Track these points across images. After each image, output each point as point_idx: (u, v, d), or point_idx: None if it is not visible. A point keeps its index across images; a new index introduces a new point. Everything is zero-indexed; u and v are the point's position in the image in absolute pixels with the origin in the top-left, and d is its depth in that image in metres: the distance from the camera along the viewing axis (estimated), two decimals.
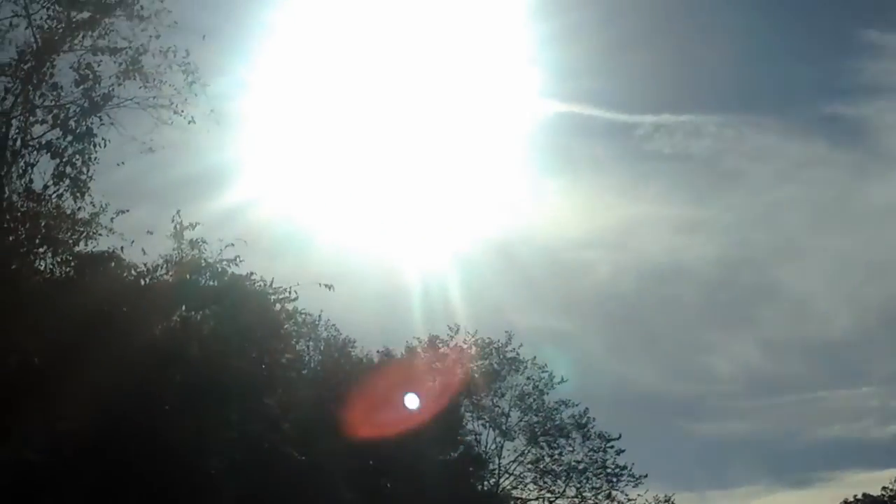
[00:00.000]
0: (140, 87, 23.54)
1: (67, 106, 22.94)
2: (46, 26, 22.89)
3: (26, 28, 22.84)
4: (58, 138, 22.58)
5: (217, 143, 26.35)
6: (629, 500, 46.97)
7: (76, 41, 23.11)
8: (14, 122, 22.57)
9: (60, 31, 22.95)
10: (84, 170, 22.70)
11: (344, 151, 37.20)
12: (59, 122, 22.66)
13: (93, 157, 22.75)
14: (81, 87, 22.98)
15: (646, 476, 47.15)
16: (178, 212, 24.42)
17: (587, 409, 47.57)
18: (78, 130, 22.62)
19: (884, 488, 76.24)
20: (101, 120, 23.02)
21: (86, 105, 22.91)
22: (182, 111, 23.69)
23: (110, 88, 23.20)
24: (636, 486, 47.17)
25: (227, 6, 28.31)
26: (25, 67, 22.73)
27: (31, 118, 22.68)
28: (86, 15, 23.03)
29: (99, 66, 23.25)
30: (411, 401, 39.24)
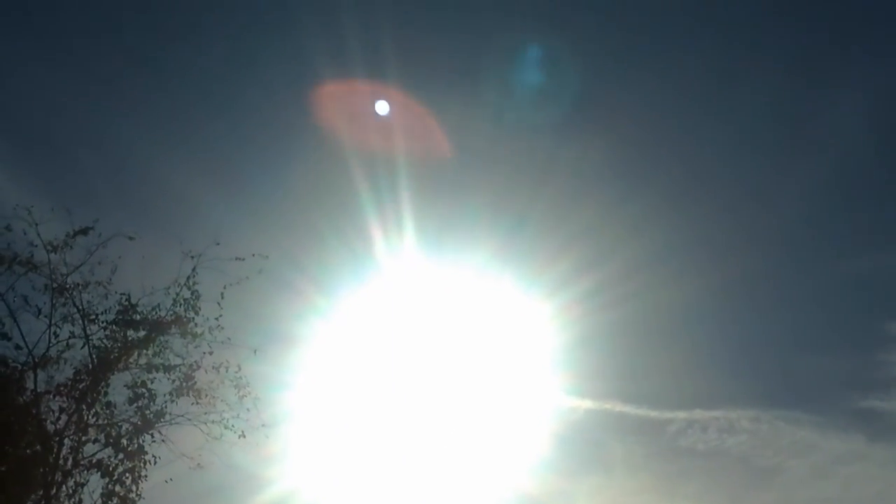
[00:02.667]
0: (193, 404, 23.83)
1: (120, 424, 23.14)
2: (103, 346, 23.43)
3: (83, 347, 23.39)
4: (109, 457, 22.68)
5: (245, 447, 26.40)
6: None
7: (131, 360, 23.58)
8: (67, 441, 22.67)
9: (117, 350, 23.44)
10: (133, 488, 22.65)
11: (373, 449, 37.17)
12: (111, 440, 22.80)
13: (143, 475, 22.75)
14: (135, 404, 23.29)
15: None
16: None
17: None
18: (130, 449, 22.74)
19: None
20: (152, 437, 23.20)
21: (139, 423, 23.13)
22: (233, 426, 23.84)
23: (163, 406, 23.54)
24: None
25: (266, 320, 29.09)
26: (80, 387, 23.07)
27: (83, 437, 22.79)
28: (142, 334, 23.61)
29: (153, 383, 23.67)
30: None
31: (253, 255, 24.25)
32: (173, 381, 23.84)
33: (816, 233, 46.99)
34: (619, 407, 52.94)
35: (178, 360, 23.99)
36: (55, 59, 35.83)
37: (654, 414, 57.47)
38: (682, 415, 63.09)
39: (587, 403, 48.38)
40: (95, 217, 23.34)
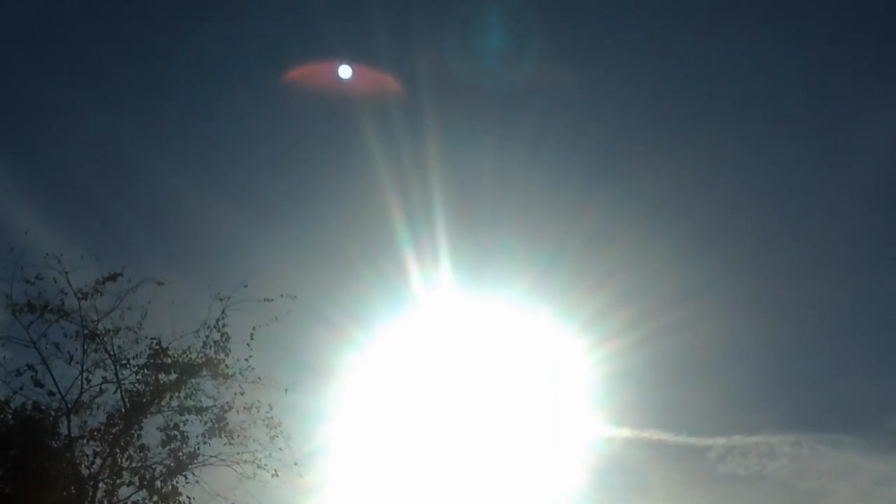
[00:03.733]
0: (225, 444, 24.04)
1: (153, 466, 23.40)
2: (135, 389, 23.75)
3: (115, 392, 23.73)
4: (143, 499, 22.92)
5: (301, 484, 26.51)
6: None
7: (163, 402, 23.89)
8: (101, 485, 22.94)
9: (149, 393, 23.74)
10: None
11: (411, 480, 37.15)
12: (145, 482, 23.04)
13: None
14: (168, 447, 23.54)
15: None
16: None
17: None
18: (164, 490, 22.96)
19: None
20: (185, 478, 23.40)
21: (172, 465, 23.38)
22: (265, 465, 23.99)
23: (196, 447, 23.76)
24: None
25: (302, 356, 29.27)
26: (114, 431, 23.37)
27: (117, 480, 23.05)
28: (173, 377, 23.90)
29: (185, 425, 23.93)
30: None
31: (281, 295, 24.50)
32: (205, 422, 24.11)
33: (851, 255, 46.33)
34: (658, 435, 52.36)
35: (209, 402, 24.31)
36: (82, 100, 36.44)
37: (692, 441, 56.76)
38: (721, 441, 62.22)
39: (625, 433, 47.88)
40: (124, 263, 23.77)
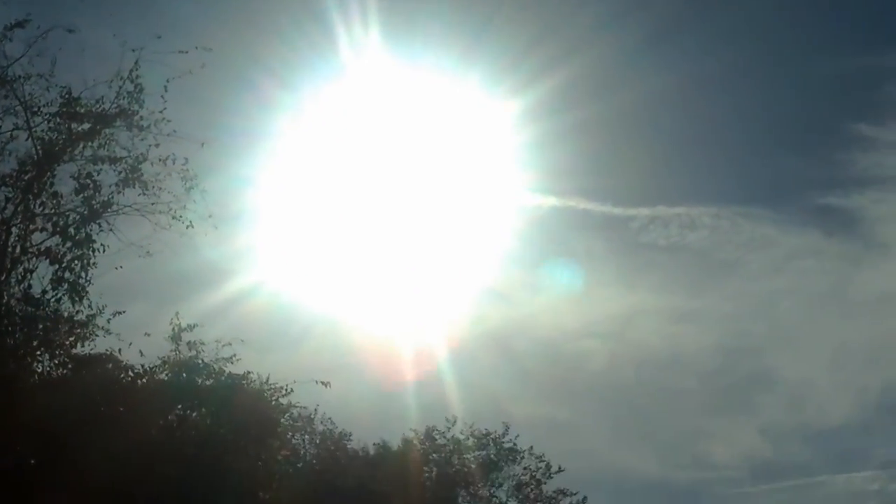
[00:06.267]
0: (139, 195, 24.36)
1: (67, 213, 23.70)
2: (47, 138, 23.78)
3: (27, 139, 23.75)
4: (57, 245, 23.34)
5: (212, 240, 27.07)
6: None
7: (77, 151, 23.98)
8: (14, 229, 23.29)
9: (61, 142, 23.81)
10: (82, 275, 23.37)
11: (338, 245, 37.92)
12: (58, 229, 23.37)
13: (91, 262, 23.45)
14: (81, 195, 23.78)
15: None
16: (176, 314, 25.24)
17: (585, 497, 47.68)
18: (77, 237, 23.37)
19: None
20: (100, 226, 23.79)
21: (85, 213, 23.66)
22: (180, 216, 24.44)
23: (110, 196, 24.02)
24: None
25: (223, 114, 29.25)
26: (26, 178, 23.54)
27: (30, 226, 23.41)
28: (86, 126, 23.90)
29: (99, 174, 24.11)
30: None
31: (196, 47, 24.30)
32: (119, 172, 24.30)
33: (794, 32, 46.35)
34: (584, 204, 53.61)
35: (123, 153, 24.43)
36: None
37: (617, 211, 58.28)
38: (644, 211, 64.00)
39: (552, 201, 49.03)
40: (30, 10, 23.30)
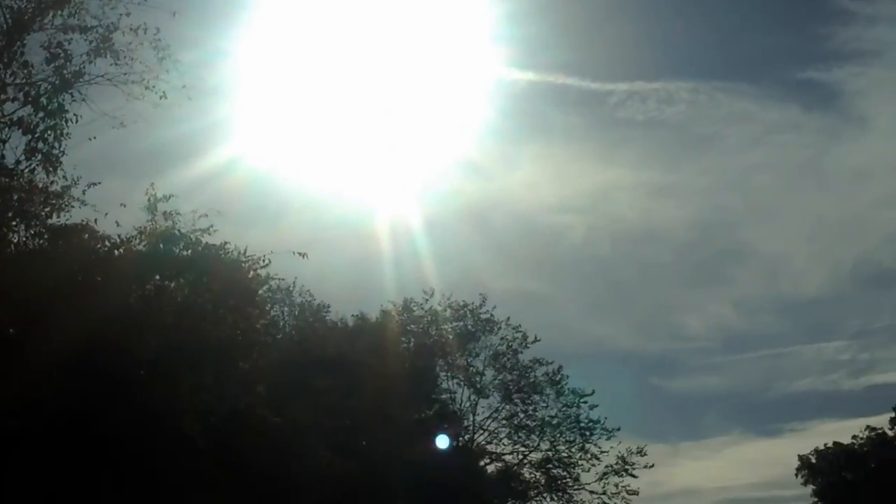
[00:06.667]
0: (111, 65, 24.19)
1: (39, 83, 23.51)
2: (16, 6, 23.46)
3: None
4: (29, 115, 23.22)
5: (189, 113, 27.01)
6: (602, 452, 48.42)
7: (46, 20, 23.68)
8: None
9: (30, 11, 23.49)
10: (56, 145, 23.33)
11: (317, 120, 37.86)
12: (30, 99, 23.23)
13: (65, 132, 23.38)
14: (52, 64, 23.56)
15: (619, 429, 48.59)
16: (152, 184, 25.24)
17: (561, 366, 48.84)
18: (49, 107, 23.23)
19: (854, 437, 78.49)
20: (72, 96, 23.67)
21: (57, 82, 23.51)
22: (153, 87, 24.33)
23: (81, 66, 23.85)
24: (609, 438, 48.63)
25: None
26: None
27: (2, 96, 23.25)
28: None
29: (69, 44, 23.88)
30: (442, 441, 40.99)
31: None
32: (90, 42, 24.08)
33: None
34: (561, 79, 53.36)
35: (94, 22, 24.13)
36: None
37: (595, 86, 58.09)
38: (622, 86, 63.81)
39: (529, 76, 48.78)
40: None
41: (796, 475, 79.89)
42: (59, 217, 23.83)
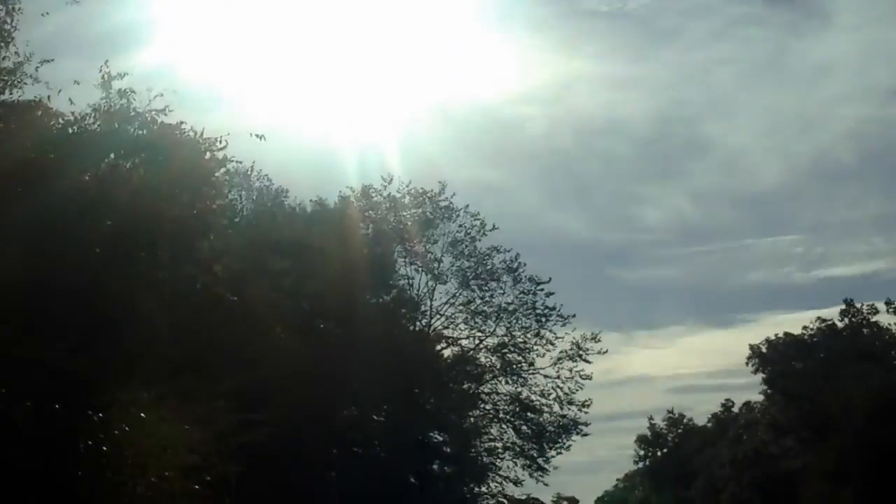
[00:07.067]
0: None
1: None
2: None
3: None
4: None
5: None
6: (557, 338, 49.52)
7: None
8: None
9: None
10: (7, 19, 23.02)
11: (282, 7, 37.61)
12: None
13: (16, 7, 23.06)
14: None
15: (574, 316, 49.63)
16: (106, 62, 24.95)
17: (518, 254, 49.55)
18: None
19: (804, 328, 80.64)
20: None
21: None
22: None
23: None
24: (564, 325, 49.74)
25: None
26: None
27: None
28: None
29: None
30: None
31: None
32: None
33: None
34: None
35: None
36: None
37: None
38: None
39: None
40: None
41: (747, 364, 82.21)
42: (10, 94, 23.62)
